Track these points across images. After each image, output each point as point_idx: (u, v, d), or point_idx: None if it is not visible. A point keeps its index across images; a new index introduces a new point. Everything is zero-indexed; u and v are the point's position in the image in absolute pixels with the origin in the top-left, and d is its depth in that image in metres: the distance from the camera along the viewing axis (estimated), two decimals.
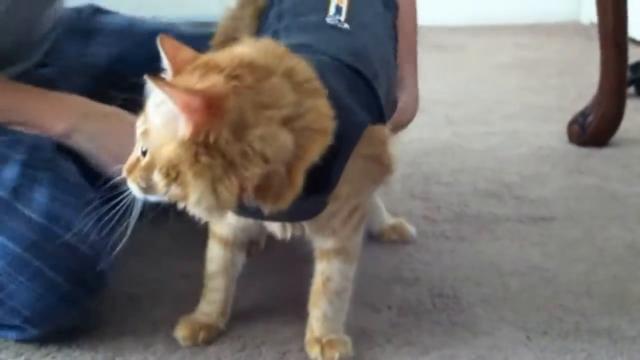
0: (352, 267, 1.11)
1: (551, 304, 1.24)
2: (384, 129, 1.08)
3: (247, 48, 0.98)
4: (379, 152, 1.07)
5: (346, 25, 1.17)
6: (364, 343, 1.13)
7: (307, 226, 1.07)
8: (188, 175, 0.90)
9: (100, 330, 1.17)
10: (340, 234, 1.08)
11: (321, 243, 1.09)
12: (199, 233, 1.38)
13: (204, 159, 0.89)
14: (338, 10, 1.19)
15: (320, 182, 0.98)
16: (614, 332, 1.16)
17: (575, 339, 1.14)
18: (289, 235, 1.09)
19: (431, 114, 2.20)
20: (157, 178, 0.92)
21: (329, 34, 1.15)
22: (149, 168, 0.93)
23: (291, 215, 1.01)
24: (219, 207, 0.92)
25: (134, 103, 0.98)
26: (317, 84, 0.97)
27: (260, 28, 1.24)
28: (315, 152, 0.95)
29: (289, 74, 0.96)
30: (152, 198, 0.96)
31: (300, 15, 1.20)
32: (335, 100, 0.97)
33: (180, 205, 0.94)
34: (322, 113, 0.96)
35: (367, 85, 1.09)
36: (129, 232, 1.01)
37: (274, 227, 1.10)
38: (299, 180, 0.94)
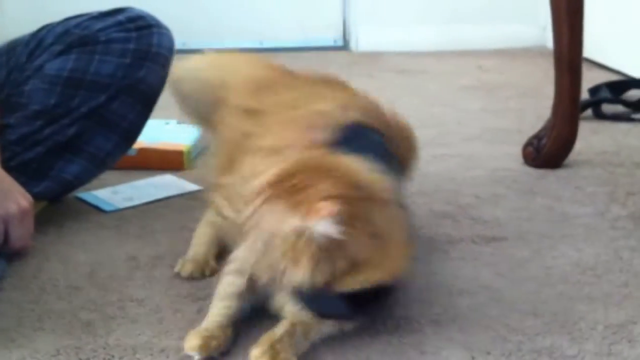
0: None
1: (497, 323, 1.27)
2: None
3: None
4: None
5: None
6: None
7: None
8: None
9: (55, 357, 1.19)
10: None
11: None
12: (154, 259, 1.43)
13: None
14: None
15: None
16: (554, 351, 1.19)
17: (517, 359, 1.18)
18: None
19: None
20: None
21: None
22: None
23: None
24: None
25: None
26: None
27: None
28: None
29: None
30: None
31: None
32: None
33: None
34: None
35: None
36: None
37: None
38: None
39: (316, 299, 1.16)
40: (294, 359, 1.15)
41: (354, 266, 1.13)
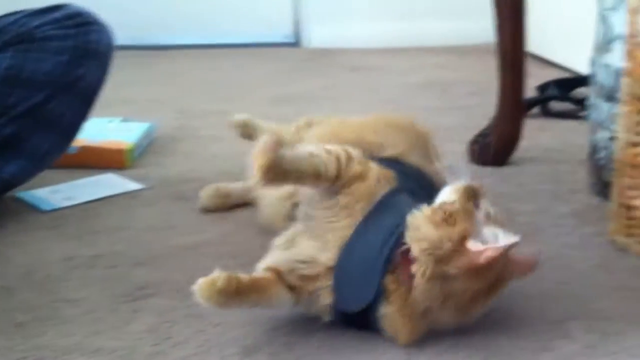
0: None
1: None
2: None
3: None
4: None
5: None
6: None
7: None
8: None
9: None
10: None
11: None
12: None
13: None
14: None
15: None
16: (490, 347, 1.20)
17: (451, 355, 1.18)
18: None
19: None
20: None
21: None
22: None
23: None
24: None
25: None
26: None
27: None
28: None
29: None
30: None
31: None
32: None
33: None
34: None
35: None
36: None
37: None
38: None
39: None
40: None
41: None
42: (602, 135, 1.75)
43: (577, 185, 1.85)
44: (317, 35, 3.53)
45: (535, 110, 2.51)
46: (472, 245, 1.12)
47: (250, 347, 1.20)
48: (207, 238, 1.58)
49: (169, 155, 2.09)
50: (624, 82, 1.49)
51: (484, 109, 2.45)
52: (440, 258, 1.12)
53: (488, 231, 1.15)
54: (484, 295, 1.17)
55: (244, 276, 1.18)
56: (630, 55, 1.47)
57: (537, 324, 1.26)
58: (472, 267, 1.12)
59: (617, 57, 1.65)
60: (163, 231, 1.62)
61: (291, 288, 1.21)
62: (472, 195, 1.17)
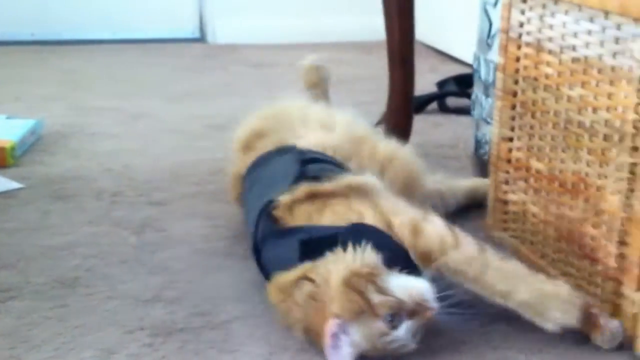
0: None
1: None
2: None
3: None
4: None
5: None
6: None
7: None
8: None
9: None
10: None
11: None
12: None
13: None
14: None
15: None
16: None
17: (314, 354, 1.17)
18: None
19: (231, 132, 2.22)
20: None
21: None
22: None
23: None
24: None
25: None
26: None
27: None
28: None
29: None
30: None
31: None
32: None
33: None
34: None
35: None
36: None
37: None
38: None
39: None
40: None
41: None
42: (485, 131, 1.76)
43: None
44: (222, 31, 3.49)
45: (433, 106, 2.52)
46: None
47: (108, 350, 1.18)
48: (78, 238, 1.54)
49: (54, 153, 2.04)
50: (498, 77, 1.49)
51: (381, 105, 2.46)
52: None
53: None
54: None
55: None
56: (503, 50, 1.47)
57: None
58: None
59: (497, 53, 1.66)
60: (36, 232, 1.57)
61: None
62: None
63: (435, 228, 1.24)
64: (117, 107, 2.46)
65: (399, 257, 1.17)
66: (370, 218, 1.24)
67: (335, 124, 1.59)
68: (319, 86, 1.68)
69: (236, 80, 2.89)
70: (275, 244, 1.26)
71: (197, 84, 2.80)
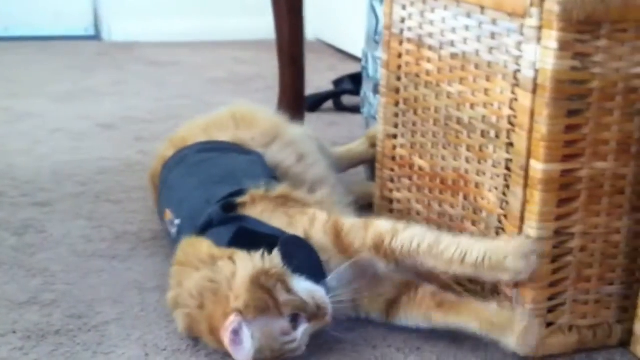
0: None
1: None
2: None
3: None
4: None
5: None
6: None
7: None
8: None
9: None
10: None
11: None
12: None
13: None
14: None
15: None
16: None
17: (192, 354, 1.15)
18: None
19: (120, 132, 2.19)
20: None
21: None
22: None
23: None
24: None
25: None
26: None
27: None
28: None
29: None
30: None
31: None
32: None
33: None
34: None
35: None
36: None
37: None
38: None
39: None
40: None
41: None
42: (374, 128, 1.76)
43: (357, 179, 1.86)
44: (118, 29, 3.43)
45: (329, 104, 2.52)
46: None
47: None
48: None
49: None
50: (382, 73, 1.49)
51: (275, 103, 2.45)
52: None
53: None
54: None
55: None
56: (386, 46, 1.47)
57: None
58: None
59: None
60: None
61: None
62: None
63: (379, 221, 1.25)
64: (3, 106, 2.39)
65: (313, 267, 1.18)
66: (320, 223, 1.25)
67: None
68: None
69: (130, 79, 2.83)
70: (223, 226, 1.25)
71: (88, 83, 2.74)
